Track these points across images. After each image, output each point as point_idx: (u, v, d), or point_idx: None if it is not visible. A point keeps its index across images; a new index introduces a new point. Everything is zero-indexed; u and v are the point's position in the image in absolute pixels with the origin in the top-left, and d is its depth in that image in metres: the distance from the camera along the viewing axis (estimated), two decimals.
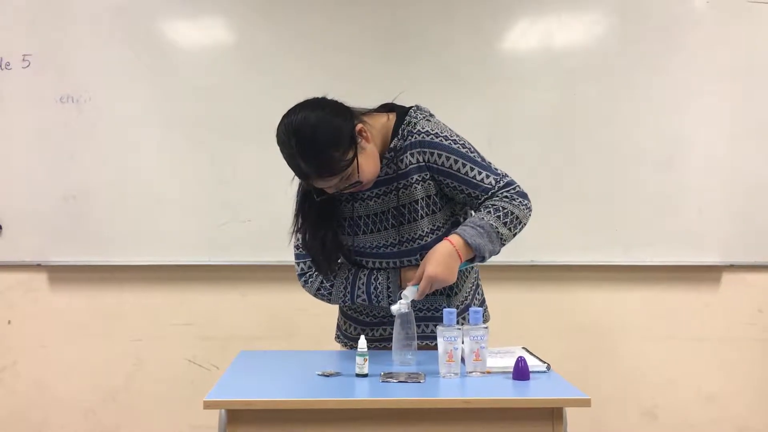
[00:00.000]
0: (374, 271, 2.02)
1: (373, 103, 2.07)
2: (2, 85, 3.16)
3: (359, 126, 1.89)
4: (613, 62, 3.24)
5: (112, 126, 3.18)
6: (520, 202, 1.92)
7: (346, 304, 2.07)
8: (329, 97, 1.93)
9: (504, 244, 1.91)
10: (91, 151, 3.18)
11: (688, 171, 3.25)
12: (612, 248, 3.24)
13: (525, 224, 1.94)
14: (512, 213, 1.90)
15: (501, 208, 1.89)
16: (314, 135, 1.82)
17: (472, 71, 3.22)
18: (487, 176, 1.93)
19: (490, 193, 1.92)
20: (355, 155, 1.86)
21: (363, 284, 2.01)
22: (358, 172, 1.87)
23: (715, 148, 3.25)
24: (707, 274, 3.31)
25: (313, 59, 3.18)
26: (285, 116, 1.87)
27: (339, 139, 1.84)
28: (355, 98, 2.06)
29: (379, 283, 2.00)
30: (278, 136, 1.86)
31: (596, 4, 3.28)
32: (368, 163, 1.90)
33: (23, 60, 3.16)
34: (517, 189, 1.94)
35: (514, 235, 1.93)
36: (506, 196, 1.91)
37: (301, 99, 1.98)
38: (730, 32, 3.24)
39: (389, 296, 1.99)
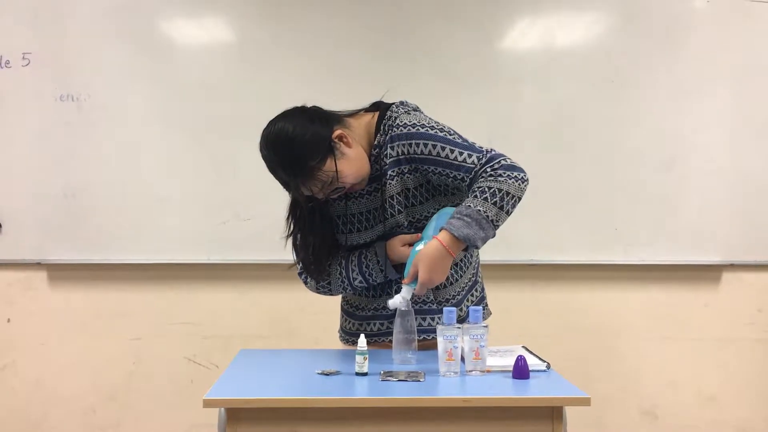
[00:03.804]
0: (363, 250, 2.03)
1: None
2: (2, 83, 3.16)
3: (338, 132, 1.91)
4: (614, 62, 3.24)
5: (111, 124, 3.18)
6: (508, 176, 1.84)
7: (347, 291, 2.06)
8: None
9: (498, 225, 1.84)
10: (91, 149, 3.18)
11: (688, 170, 3.25)
12: (612, 247, 3.24)
13: (520, 196, 1.85)
14: (500, 191, 1.82)
15: (487, 189, 1.83)
16: (291, 146, 1.87)
17: (472, 70, 3.22)
18: (470, 155, 1.89)
19: (474, 173, 1.87)
20: (334, 162, 1.88)
21: (356, 266, 2.01)
22: (338, 179, 1.89)
23: (715, 148, 3.25)
24: (707, 273, 3.31)
25: (313, 58, 3.19)
26: (264, 128, 1.92)
27: (316, 148, 1.87)
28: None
29: (370, 260, 2.00)
30: (260, 149, 1.92)
31: (597, 3, 3.28)
32: (350, 167, 1.91)
33: (23, 58, 3.16)
34: (503, 162, 1.86)
35: (508, 212, 1.84)
36: (491, 174, 1.84)
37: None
38: (730, 32, 3.24)
39: (382, 270, 1.99)
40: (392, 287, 2.03)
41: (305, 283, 2.09)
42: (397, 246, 1.98)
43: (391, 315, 1.94)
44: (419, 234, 1.94)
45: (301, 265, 2.06)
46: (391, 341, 1.92)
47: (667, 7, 3.24)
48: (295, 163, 1.87)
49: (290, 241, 2.05)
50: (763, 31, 3.25)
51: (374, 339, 2.06)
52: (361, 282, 2.02)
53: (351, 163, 1.92)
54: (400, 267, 1.96)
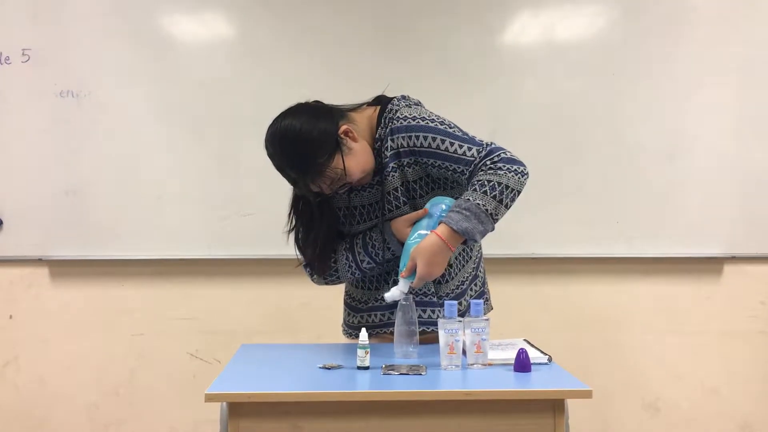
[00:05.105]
0: (366, 232, 2.03)
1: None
2: (2, 79, 3.16)
3: (344, 127, 1.92)
4: (615, 55, 3.23)
5: (112, 120, 3.18)
6: (508, 169, 1.84)
7: (356, 275, 2.06)
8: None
9: (497, 219, 1.84)
10: (92, 145, 3.18)
11: (690, 163, 3.24)
12: (613, 241, 3.24)
13: (519, 190, 1.85)
14: (499, 184, 1.82)
15: (486, 182, 1.82)
16: (298, 144, 1.87)
17: (473, 65, 3.21)
18: (469, 148, 1.88)
19: (473, 166, 1.87)
20: (342, 158, 1.89)
21: (361, 248, 2.02)
22: (346, 174, 1.90)
23: (717, 141, 3.24)
24: (709, 266, 3.31)
25: (314, 53, 3.18)
26: (270, 126, 1.92)
27: (322, 144, 1.88)
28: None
29: (375, 240, 2.00)
30: (266, 147, 1.91)
31: None
32: (356, 162, 1.92)
33: (23, 54, 3.16)
34: (502, 156, 1.86)
35: (507, 206, 1.84)
36: (491, 168, 1.84)
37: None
38: (732, 25, 3.23)
39: (388, 247, 1.99)
40: (390, 278, 2.03)
41: (311, 277, 2.10)
42: (402, 226, 1.96)
43: (392, 305, 1.94)
44: (426, 209, 1.92)
45: (305, 263, 2.06)
46: (392, 333, 1.92)
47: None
48: (304, 161, 1.87)
49: (292, 236, 2.05)
50: (765, 23, 3.24)
51: (376, 331, 2.07)
52: (368, 263, 2.02)
53: (357, 158, 1.92)
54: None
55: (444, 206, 1.89)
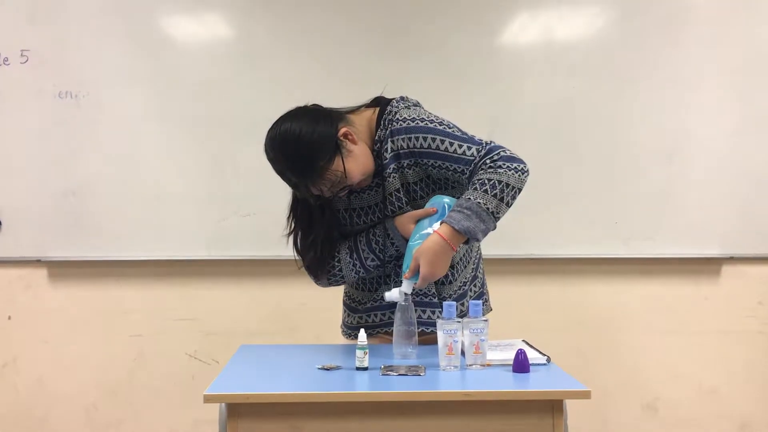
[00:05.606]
0: (370, 229, 2.03)
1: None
2: (1, 80, 3.16)
3: (343, 130, 1.92)
4: (614, 56, 3.23)
5: (111, 121, 3.18)
6: (508, 167, 1.84)
7: (360, 274, 2.05)
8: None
9: (499, 218, 1.84)
10: (91, 146, 3.18)
11: (689, 164, 3.24)
12: (612, 241, 3.24)
13: (520, 188, 1.85)
14: (499, 182, 1.82)
15: (487, 181, 1.82)
16: (297, 147, 1.87)
17: (472, 66, 3.21)
18: (469, 148, 1.89)
19: (473, 165, 1.87)
20: (342, 160, 1.89)
21: (365, 245, 2.02)
22: (346, 177, 1.90)
23: (715, 141, 3.24)
24: (707, 266, 3.31)
25: (312, 54, 3.18)
26: (269, 130, 1.92)
27: (322, 147, 1.88)
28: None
29: (379, 236, 2.00)
30: (266, 151, 1.92)
31: None
32: (357, 165, 1.92)
33: (21, 55, 3.15)
34: (502, 154, 1.86)
35: (508, 204, 1.83)
36: (490, 166, 1.84)
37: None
38: (731, 26, 3.23)
39: (392, 243, 1.99)
40: (392, 279, 2.03)
41: (315, 279, 2.09)
42: (406, 222, 1.96)
43: (392, 305, 1.94)
44: (434, 208, 1.92)
45: (305, 266, 2.06)
46: (391, 333, 1.92)
47: (668, 0, 3.23)
48: (304, 164, 1.87)
49: (291, 238, 2.05)
50: (763, 24, 3.24)
51: (376, 331, 2.07)
52: (373, 260, 2.02)
53: (357, 160, 1.92)
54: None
55: (445, 205, 1.89)
